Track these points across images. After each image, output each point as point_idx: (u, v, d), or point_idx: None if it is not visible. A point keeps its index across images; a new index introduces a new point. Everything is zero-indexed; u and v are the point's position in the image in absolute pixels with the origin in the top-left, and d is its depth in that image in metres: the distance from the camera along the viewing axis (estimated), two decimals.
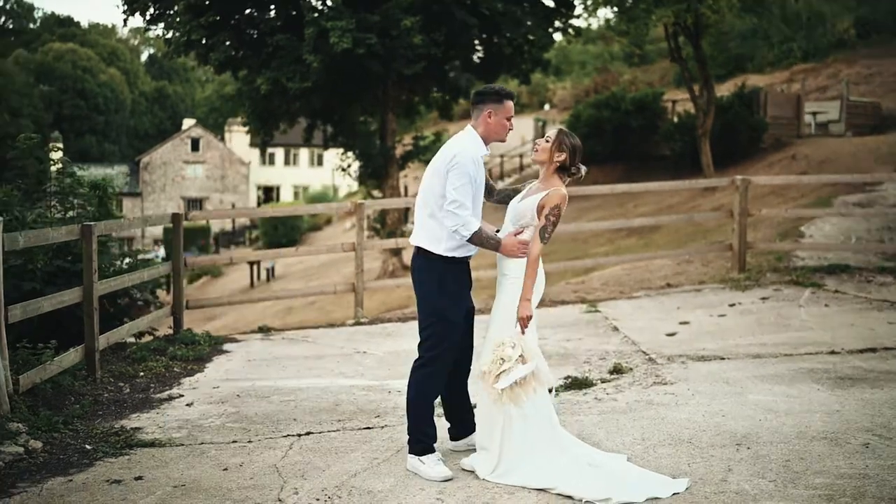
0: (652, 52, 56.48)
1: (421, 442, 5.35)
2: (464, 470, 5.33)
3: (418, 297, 5.41)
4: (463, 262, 5.37)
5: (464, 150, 5.20)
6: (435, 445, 5.39)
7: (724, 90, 31.59)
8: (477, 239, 5.18)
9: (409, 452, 5.40)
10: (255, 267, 35.91)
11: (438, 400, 5.59)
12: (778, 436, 5.84)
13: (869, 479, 4.99)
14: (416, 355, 5.43)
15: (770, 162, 25.15)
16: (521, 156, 39.25)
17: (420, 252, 5.38)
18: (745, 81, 32.27)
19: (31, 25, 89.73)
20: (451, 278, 5.32)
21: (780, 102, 28.94)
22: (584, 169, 5.34)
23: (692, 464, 5.34)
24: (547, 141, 5.27)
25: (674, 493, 4.88)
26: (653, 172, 26.65)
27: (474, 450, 5.54)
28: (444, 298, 5.30)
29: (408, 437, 5.43)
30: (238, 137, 65.80)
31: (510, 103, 5.36)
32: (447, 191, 5.15)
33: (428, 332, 5.33)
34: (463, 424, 5.72)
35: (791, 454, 5.46)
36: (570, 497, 4.82)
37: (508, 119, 5.35)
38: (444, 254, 5.27)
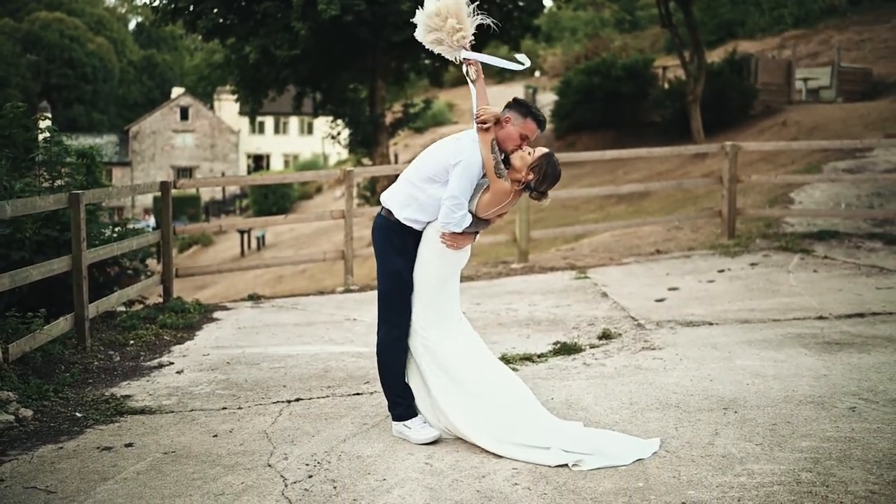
0: (643, 19, 56.32)
1: (399, 405, 5.38)
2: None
3: (378, 257, 5.41)
4: (419, 235, 5.36)
5: (475, 151, 5.16)
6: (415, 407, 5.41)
7: (714, 56, 31.48)
8: (464, 229, 5.21)
9: (393, 420, 5.43)
10: (245, 236, 35.88)
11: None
12: (765, 400, 5.88)
13: (855, 442, 5.03)
14: None
15: (761, 128, 25.14)
16: None
17: (383, 212, 5.38)
18: (735, 47, 32.16)
19: None
20: (411, 242, 5.33)
21: (770, 68, 28.86)
22: (547, 201, 5.32)
23: (679, 428, 5.38)
24: (529, 154, 5.19)
25: (653, 453, 4.94)
26: (643, 139, 26.60)
27: None
28: (402, 259, 5.31)
29: (388, 405, 5.46)
30: (227, 106, 65.48)
31: (532, 124, 5.23)
32: (450, 185, 5.14)
33: (388, 296, 5.34)
34: None
35: (778, 418, 5.50)
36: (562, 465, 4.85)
37: (523, 137, 5.22)
38: (402, 221, 5.29)
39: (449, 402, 5.19)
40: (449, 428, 5.23)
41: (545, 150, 5.27)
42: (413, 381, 5.39)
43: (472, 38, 5.36)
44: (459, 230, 5.18)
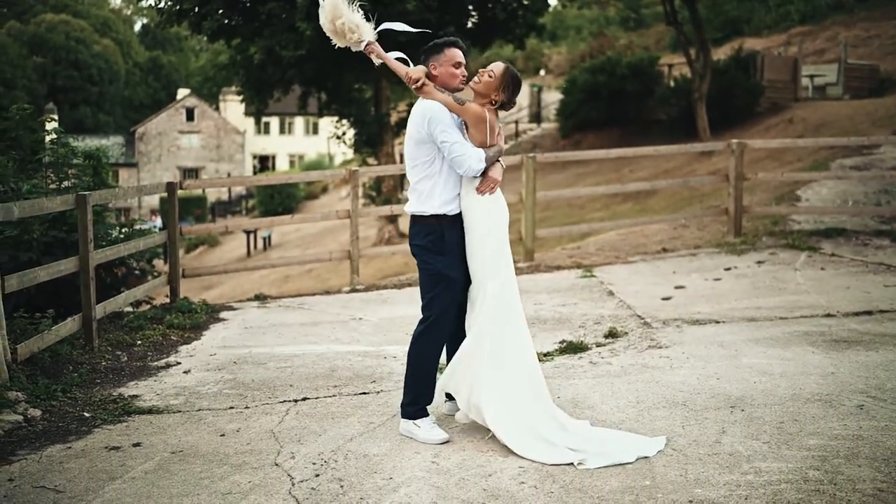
0: (648, 16, 56.24)
1: (416, 404, 5.36)
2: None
3: (418, 264, 5.40)
4: (456, 221, 5.35)
5: (430, 104, 5.23)
6: (428, 408, 5.42)
7: (720, 54, 31.45)
8: (488, 162, 5.22)
9: (403, 417, 5.42)
10: (251, 236, 35.92)
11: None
12: (772, 398, 5.87)
13: (863, 440, 5.02)
14: (411, 322, 5.45)
15: (767, 126, 25.10)
16: (516, 122, 39.10)
17: (414, 219, 5.39)
18: (741, 45, 32.15)
19: None
20: (448, 236, 5.31)
21: (777, 66, 28.80)
22: (515, 104, 5.38)
23: (686, 426, 5.38)
24: (490, 77, 5.23)
25: (658, 451, 4.94)
26: (649, 137, 26.58)
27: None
28: (442, 257, 5.29)
29: (403, 400, 5.44)
30: (233, 107, 65.58)
31: (452, 50, 5.33)
32: (440, 143, 5.18)
33: (430, 295, 5.32)
34: None
35: (785, 416, 5.49)
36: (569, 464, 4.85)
37: (456, 66, 5.31)
38: (436, 212, 5.28)
39: (489, 381, 5.15)
40: (478, 405, 5.18)
41: (500, 65, 5.30)
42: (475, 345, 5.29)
43: (372, 25, 5.53)
44: (483, 165, 5.18)
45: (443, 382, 5.40)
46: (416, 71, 5.32)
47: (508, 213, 5.46)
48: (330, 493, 4.55)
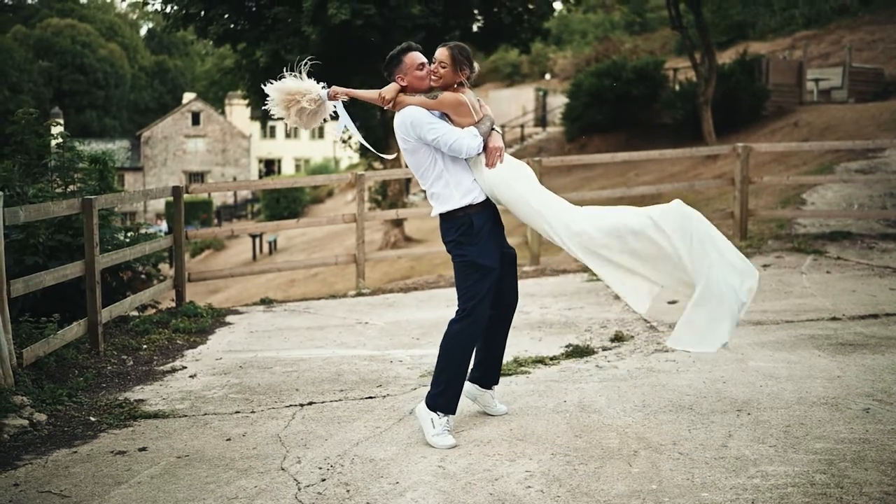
0: (653, 20, 56.20)
1: (445, 395, 5.30)
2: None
3: (453, 259, 5.41)
4: (484, 208, 5.36)
5: (407, 111, 5.29)
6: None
7: (725, 57, 31.42)
8: (483, 136, 5.27)
9: (427, 403, 5.35)
10: (257, 240, 35.95)
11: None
12: (778, 402, 5.86)
13: (869, 444, 5.01)
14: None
15: (772, 129, 25.06)
16: (521, 126, 39.13)
17: (442, 218, 5.40)
18: (746, 49, 32.07)
19: (30, 1, 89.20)
20: (477, 223, 5.31)
21: (782, 69, 28.76)
22: (476, 67, 5.42)
23: (693, 430, 5.37)
24: (443, 67, 5.27)
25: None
26: (654, 141, 26.56)
27: (485, 414, 5.75)
28: (474, 246, 5.30)
29: (430, 390, 5.38)
30: (238, 111, 65.73)
31: (410, 56, 5.40)
32: (431, 142, 5.23)
33: (466, 285, 5.32)
34: (487, 374, 5.72)
35: (791, 419, 5.48)
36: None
37: (420, 68, 5.37)
38: (459, 205, 5.29)
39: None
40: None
41: (444, 51, 5.31)
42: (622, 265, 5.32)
43: (324, 85, 5.67)
44: (479, 138, 5.24)
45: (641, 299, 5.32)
46: (387, 91, 5.38)
47: (529, 168, 5.47)
48: (336, 498, 4.55)
